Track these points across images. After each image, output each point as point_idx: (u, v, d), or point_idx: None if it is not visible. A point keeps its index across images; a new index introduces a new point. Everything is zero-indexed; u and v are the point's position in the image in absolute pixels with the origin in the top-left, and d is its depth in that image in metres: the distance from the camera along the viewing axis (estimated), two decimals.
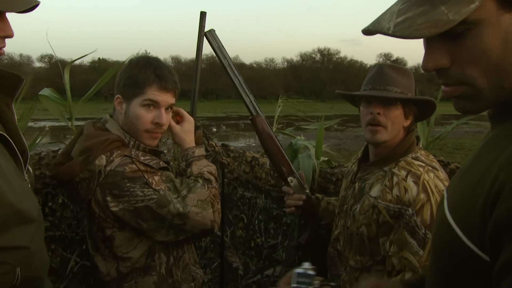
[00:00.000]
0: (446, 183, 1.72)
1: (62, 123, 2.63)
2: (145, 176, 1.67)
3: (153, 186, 1.66)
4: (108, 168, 1.66)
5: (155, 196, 1.65)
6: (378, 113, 1.81)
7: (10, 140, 1.34)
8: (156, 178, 1.70)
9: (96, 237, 1.76)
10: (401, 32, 0.76)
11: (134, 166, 1.67)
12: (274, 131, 4.12)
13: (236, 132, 23.13)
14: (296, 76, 73.96)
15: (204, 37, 2.02)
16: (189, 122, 1.94)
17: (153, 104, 1.76)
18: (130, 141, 1.79)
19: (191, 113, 2.04)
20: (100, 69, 44.09)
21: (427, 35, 0.76)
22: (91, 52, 3.10)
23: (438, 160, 1.94)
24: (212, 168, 1.93)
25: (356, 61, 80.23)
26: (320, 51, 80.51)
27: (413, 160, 1.78)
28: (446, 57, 0.82)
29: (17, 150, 1.37)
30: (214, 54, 2.07)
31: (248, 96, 2.10)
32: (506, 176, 0.72)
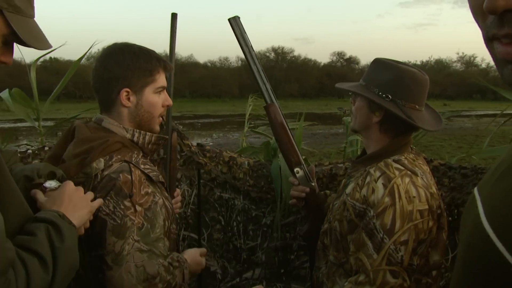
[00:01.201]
0: (422, 190, 1.66)
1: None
2: (133, 193, 1.53)
3: (127, 212, 1.51)
4: (106, 173, 1.54)
5: (118, 222, 1.49)
6: (352, 103, 1.91)
7: None
8: (140, 208, 1.53)
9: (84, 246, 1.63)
10: None
11: (128, 176, 1.54)
12: (245, 130, 4.08)
13: (192, 131, 22.90)
14: (250, 75, 74.05)
15: (229, 23, 2.03)
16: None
17: (162, 89, 1.74)
18: (135, 134, 1.68)
19: (167, 115, 2.01)
20: (51, 69, 42.81)
21: None
22: (59, 47, 2.93)
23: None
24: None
25: (310, 60, 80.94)
26: (274, 49, 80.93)
27: (392, 163, 1.74)
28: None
29: None
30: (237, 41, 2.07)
31: (265, 84, 2.11)
32: None
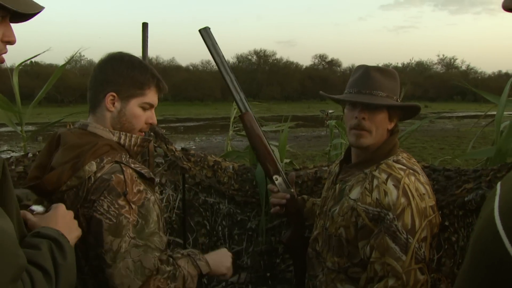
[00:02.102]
0: (427, 187, 1.73)
1: None
2: (127, 191, 1.55)
3: (122, 210, 1.54)
4: (98, 175, 1.57)
5: (114, 221, 1.52)
6: (363, 118, 1.79)
7: None
8: (134, 206, 1.56)
9: (79, 251, 1.63)
10: None
11: (121, 176, 1.57)
12: (230, 134, 4.08)
13: (175, 135, 22.82)
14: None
15: (200, 33, 2.06)
16: None
17: (150, 107, 1.75)
18: (121, 136, 1.70)
19: None
20: (32, 73, 42.27)
21: None
22: (44, 52, 2.90)
23: None
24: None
25: (292, 62, 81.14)
26: (256, 52, 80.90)
27: (394, 163, 1.77)
28: None
29: None
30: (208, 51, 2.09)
31: (239, 93, 2.12)
32: None
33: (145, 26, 2.09)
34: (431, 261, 1.73)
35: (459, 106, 53.21)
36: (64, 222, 1.41)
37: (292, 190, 2.17)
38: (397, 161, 1.78)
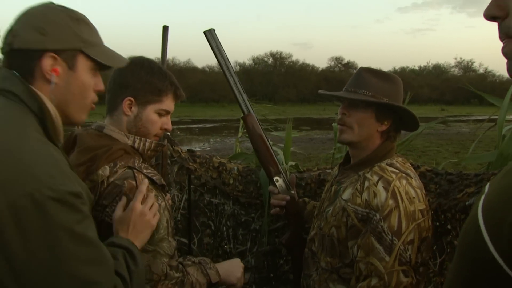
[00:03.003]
0: (419, 191, 1.74)
1: None
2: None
3: None
4: (111, 179, 1.60)
5: None
6: (344, 114, 1.86)
7: None
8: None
9: None
10: None
11: (133, 182, 1.60)
12: (239, 135, 4.11)
13: (190, 136, 22.92)
14: (249, 79, 74.12)
15: (205, 35, 2.08)
16: None
17: (166, 113, 1.80)
18: (136, 140, 1.74)
19: None
20: None
21: None
22: None
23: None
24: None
25: (308, 65, 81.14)
26: (272, 54, 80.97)
27: (387, 166, 1.79)
28: (502, 7, 0.79)
29: None
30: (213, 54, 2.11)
31: (242, 95, 2.14)
32: None
33: (165, 29, 2.11)
34: (423, 265, 1.73)
35: (476, 109, 52.62)
36: (134, 227, 1.52)
37: (293, 192, 2.20)
38: (391, 165, 1.80)
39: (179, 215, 2.78)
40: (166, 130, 1.83)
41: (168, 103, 1.78)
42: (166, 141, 2.18)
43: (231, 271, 1.85)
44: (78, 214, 1.13)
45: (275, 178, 2.17)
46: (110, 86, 1.77)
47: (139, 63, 1.75)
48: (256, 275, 2.79)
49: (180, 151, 2.73)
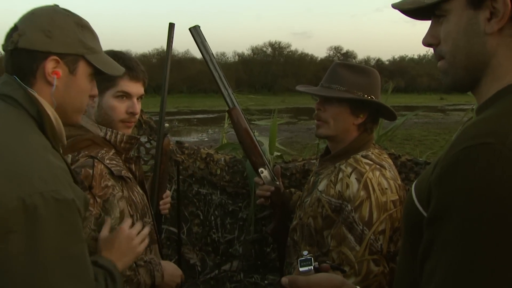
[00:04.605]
0: (392, 182, 1.80)
1: None
2: (93, 185, 1.63)
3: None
4: (72, 167, 1.60)
5: None
6: (319, 109, 1.91)
7: None
8: (99, 200, 1.63)
9: None
10: (396, 4, 1.10)
11: (90, 171, 1.64)
12: (225, 127, 4.18)
13: (188, 127, 22.95)
14: (247, 69, 73.97)
15: (190, 32, 2.13)
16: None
17: (126, 95, 1.80)
18: (107, 132, 1.77)
19: (160, 115, 2.17)
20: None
21: (405, 8, 1.08)
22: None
23: (389, 154, 2.01)
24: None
25: (307, 54, 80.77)
26: (271, 44, 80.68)
27: (362, 158, 1.84)
28: (435, 37, 1.06)
29: None
30: (196, 49, 2.16)
31: (227, 89, 2.19)
32: (448, 147, 0.92)
33: (171, 26, 2.13)
34: (394, 254, 1.79)
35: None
36: (118, 248, 1.56)
37: (278, 182, 2.24)
38: (366, 156, 1.85)
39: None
40: (132, 113, 1.82)
41: (124, 85, 1.78)
42: (168, 138, 2.21)
43: (174, 276, 1.88)
44: (66, 225, 1.12)
45: (260, 170, 2.22)
46: None
47: None
48: (244, 263, 2.86)
49: (169, 142, 2.79)
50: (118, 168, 1.75)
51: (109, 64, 1.47)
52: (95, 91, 1.49)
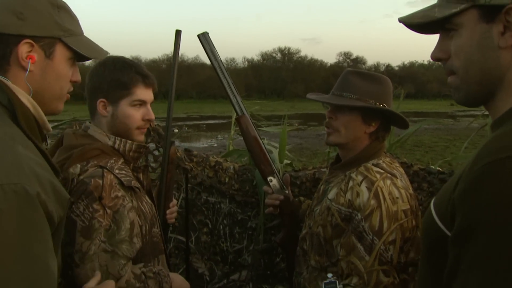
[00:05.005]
0: (403, 191, 1.76)
1: None
2: (103, 196, 1.60)
3: (96, 214, 1.58)
4: (81, 177, 1.61)
5: (87, 223, 1.57)
6: (331, 118, 1.88)
7: None
8: (109, 211, 1.61)
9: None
10: (403, 19, 1.08)
11: (99, 181, 1.61)
12: (232, 133, 4.15)
13: (197, 133, 22.95)
14: (257, 75, 74.13)
15: (198, 38, 2.11)
16: None
17: (141, 103, 1.79)
18: (116, 141, 1.76)
19: (167, 124, 2.15)
20: None
21: (415, 23, 1.06)
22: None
23: (401, 163, 1.97)
24: None
25: (317, 60, 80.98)
26: (281, 50, 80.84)
27: (372, 166, 1.81)
28: (444, 51, 1.05)
29: None
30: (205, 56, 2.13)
31: (236, 97, 2.17)
32: (468, 164, 0.90)
33: (178, 33, 2.12)
34: (412, 265, 1.74)
35: None
36: None
37: (287, 191, 2.22)
38: (377, 165, 1.82)
39: (176, 213, 2.81)
40: (148, 120, 1.82)
41: (140, 93, 1.77)
42: (174, 147, 2.18)
43: (180, 287, 1.86)
44: (25, 222, 0.99)
45: (269, 178, 2.19)
46: (86, 93, 1.79)
47: (102, 63, 1.76)
48: (253, 273, 2.82)
49: (176, 150, 2.76)
50: (128, 178, 1.73)
51: (91, 47, 1.38)
52: (77, 76, 1.39)
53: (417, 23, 1.06)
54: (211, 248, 2.86)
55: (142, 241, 1.72)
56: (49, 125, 1.30)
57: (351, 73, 1.90)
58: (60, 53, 1.29)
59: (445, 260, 0.91)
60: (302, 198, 2.34)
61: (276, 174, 2.20)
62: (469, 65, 0.99)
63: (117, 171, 1.68)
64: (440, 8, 1.02)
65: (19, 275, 0.97)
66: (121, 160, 1.75)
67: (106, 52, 1.46)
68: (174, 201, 2.23)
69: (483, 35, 0.96)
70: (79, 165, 1.63)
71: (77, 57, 1.34)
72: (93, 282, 1.49)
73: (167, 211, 2.16)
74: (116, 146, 1.76)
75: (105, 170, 1.65)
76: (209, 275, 2.84)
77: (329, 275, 1.47)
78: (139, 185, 1.80)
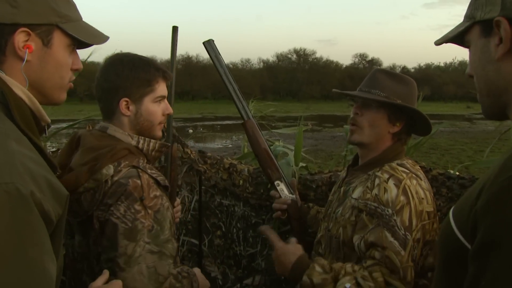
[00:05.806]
0: (427, 193, 1.75)
1: None
2: (144, 195, 1.58)
3: (138, 215, 1.56)
4: (115, 178, 1.58)
5: (129, 225, 1.55)
6: (357, 113, 1.88)
7: None
8: (150, 211, 1.59)
9: (89, 254, 1.66)
10: (439, 40, 1.14)
11: (138, 181, 1.59)
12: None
13: (212, 133, 23.01)
14: (272, 76, 74.09)
15: (204, 46, 2.15)
16: None
17: (162, 99, 1.79)
18: (140, 140, 1.74)
19: (169, 123, 2.09)
20: None
21: (438, 42, 1.14)
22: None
23: (420, 166, 1.95)
24: None
25: (332, 61, 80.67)
26: (296, 51, 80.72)
27: (397, 166, 1.80)
28: (471, 68, 1.07)
29: None
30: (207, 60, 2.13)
31: (241, 102, 2.21)
32: (489, 175, 0.88)
33: (175, 29, 2.11)
34: (421, 268, 1.72)
35: None
36: None
37: (294, 195, 2.21)
38: (401, 165, 1.81)
39: (189, 216, 2.78)
40: (168, 114, 1.83)
41: (161, 89, 1.77)
42: (176, 144, 2.17)
43: (205, 287, 1.85)
44: (19, 224, 0.93)
45: (276, 182, 2.19)
46: (99, 94, 1.74)
47: (119, 62, 1.72)
48: (267, 278, 2.78)
49: (190, 152, 2.73)
50: (162, 177, 1.72)
51: (90, 32, 1.33)
52: (78, 64, 1.33)
53: (438, 42, 1.13)
54: (224, 252, 2.81)
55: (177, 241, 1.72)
56: (47, 117, 1.24)
57: (380, 71, 1.90)
58: (59, 40, 1.24)
59: (463, 273, 0.89)
60: (311, 204, 2.32)
61: (284, 179, 2.20)
62: (477, 79, 1.03)
63: (149, 171, 1.67)
64: (457, 27, 1.07)
65: (13, 281, 0.90)
66: (145, 160, 1.73)
67: (107, 37, 1.39)
68: (178, 200, 2.20)
69: (482, 49, 1.00)
70: (112, 166, 1.59)
71: (76, 43, 1.30)
72: (100, 280, 1.47)
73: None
74: (140, 145, 1.74)
75: (139, 170, 1.63)
76: (222, 279, 2.80)
77: (347, 285, 1.42)
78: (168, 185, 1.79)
